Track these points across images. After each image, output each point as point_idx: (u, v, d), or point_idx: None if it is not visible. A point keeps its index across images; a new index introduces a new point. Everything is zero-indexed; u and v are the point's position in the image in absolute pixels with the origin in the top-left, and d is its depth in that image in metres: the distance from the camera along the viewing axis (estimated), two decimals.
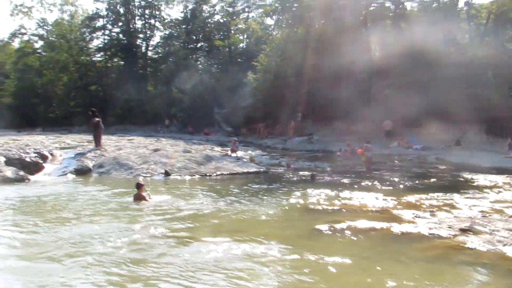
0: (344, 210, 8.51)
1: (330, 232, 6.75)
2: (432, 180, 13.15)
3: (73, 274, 4.96)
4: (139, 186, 9.50)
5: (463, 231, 6.64)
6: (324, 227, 6.93)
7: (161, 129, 42.73)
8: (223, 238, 6.43)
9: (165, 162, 15.22)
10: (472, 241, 6.12)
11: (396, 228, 6.90)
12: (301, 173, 14.69)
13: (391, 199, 9.45)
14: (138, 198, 9.28)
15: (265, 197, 10.03)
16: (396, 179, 13.05)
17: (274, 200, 9.63)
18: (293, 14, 33.13)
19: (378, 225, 7.08)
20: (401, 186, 11.79)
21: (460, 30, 25.94)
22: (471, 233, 6.55)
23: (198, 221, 7.67)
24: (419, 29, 23.44)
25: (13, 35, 59.64)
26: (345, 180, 12.79)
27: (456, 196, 9.79)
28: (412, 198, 9.71)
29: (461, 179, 13.34)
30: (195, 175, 14.09)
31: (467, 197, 9.75)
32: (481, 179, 12.91)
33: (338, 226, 7.00)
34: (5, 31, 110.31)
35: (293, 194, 10.36)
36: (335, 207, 8.81)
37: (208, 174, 14.31)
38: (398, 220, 7.46)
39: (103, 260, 5.38)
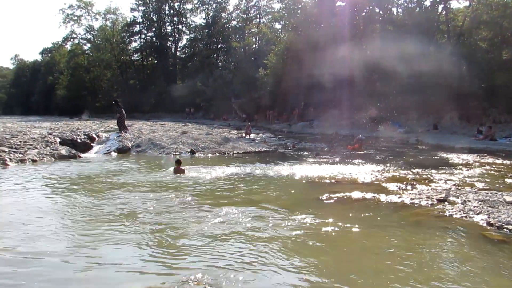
0: (340, 183, 8.42)
1: (329, 201, 6.67)
2: (413, 158, 12.98)
3: (113, 236, 4.96)
4: (179, 162, 9.65)
5: (440, 201, 6.53)
6: (324, 197, 6.86)
7: (188, 115, 42.87)
8: (239, 206, 6.38)
9: (191, 143, 15.23)
10: (448, 210, 6.01)
11: (383, 198, 6.80)
12: (304, 152, 14.60)
13: (379, 174, 9.34)
14: (177, 171, 9.44)
15: (274, 172, 9.97)
16: (383, 157, 12.90)
17: (282, 174, 9.56)
18: (297, 20, 32.59)
19: (368, 195, 6.98)
20: (387, 163, 11.62)
21: (439, 31, 25.31)
22: (447, 203, 6.44)
23: (218, 191, 7.63)
24: (404, 30, 22.95)
25: (66, 39, 60.15)
26: (340, 158, 12.67)
27: (433, 172, 9.63)
28: (396, 173, 9.57)
29: (438, 157, 13.13)
30: (215, 153, 14.07)
31: (442, 173, 9.58)
32: (454, 157, 12.69)
33: (335, 196, 6.92)
34: (59, 36, 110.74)
35: (297, 169, 10.27)
36: (333, 180, 8.72)
37: (226, 153, 14.28)
38: (385, 191, 7.36)
39: (142, 224, 5.38)
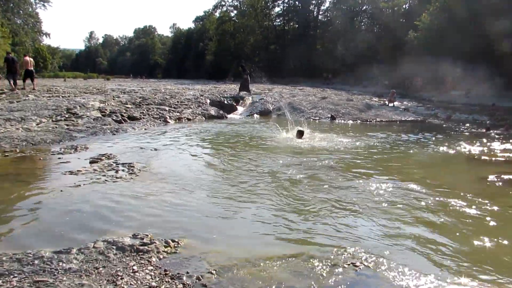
0: None
1: (499, 183, 5.60)
2: None
3: (251, 197, 4.99)
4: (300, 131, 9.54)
5: None
6: (492, 177, 5.79)
7: (326, 80, 42.19)
8: (387, 180, 5.70)
9: (331, 108, 14.79)
10: None
11: None
12: (461, 125, 12.81)
13: None
14: (300, 135, 9.31)
15: (425, 144, 8.95)
16: None
17: (435, 148, 8.49)
18: None
19: None
20: None
21: None
22: None
23: (362, 161, 7.10)
24: None
25: (215, 7, 64.28)
26: (509, 133, 10.69)
27: None
28: None
29: None
30: (357, 120, 13.42)
31: None
32: None
33: (507, 177, 5.78)
34: (210, 4, 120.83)
35: (454, 143, 9.01)
36: (502, 159, 7.37)
37: (368, 120, 13.48)
38: None
39: (281, 187, 5.33)
